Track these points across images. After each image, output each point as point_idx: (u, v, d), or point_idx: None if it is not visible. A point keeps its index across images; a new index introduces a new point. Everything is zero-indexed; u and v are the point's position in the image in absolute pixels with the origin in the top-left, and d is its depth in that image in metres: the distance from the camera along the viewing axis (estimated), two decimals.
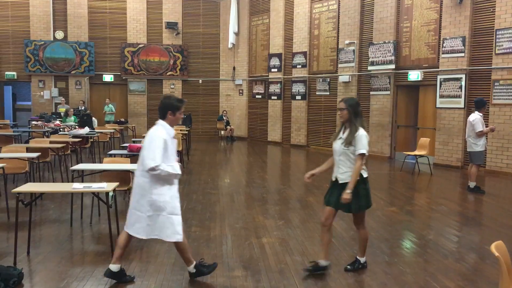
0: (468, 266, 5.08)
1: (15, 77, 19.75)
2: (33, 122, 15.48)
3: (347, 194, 4.50)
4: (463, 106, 11.91)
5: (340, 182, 4.68)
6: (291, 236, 6.06)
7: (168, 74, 20.33)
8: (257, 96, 19.42)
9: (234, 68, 20.33)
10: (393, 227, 6.72)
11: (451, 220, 7.14)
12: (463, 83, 11.89)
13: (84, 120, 13.75)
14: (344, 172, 4.68)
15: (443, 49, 12.27)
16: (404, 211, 7.66)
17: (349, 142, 4.59)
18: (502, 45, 11.07)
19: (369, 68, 14.32)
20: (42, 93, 19.84)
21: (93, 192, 5.20)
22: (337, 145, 4.71)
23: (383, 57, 13.88)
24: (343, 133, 4.70)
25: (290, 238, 5.95)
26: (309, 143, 16.94)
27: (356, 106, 4.69)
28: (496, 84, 11.22)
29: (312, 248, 5.56)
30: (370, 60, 14.27)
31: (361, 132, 4.59)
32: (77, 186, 4.97)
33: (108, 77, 20.14)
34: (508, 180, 10.69)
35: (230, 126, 19.92)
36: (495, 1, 11.26)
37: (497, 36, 11.16)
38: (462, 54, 11.87)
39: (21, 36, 19.50)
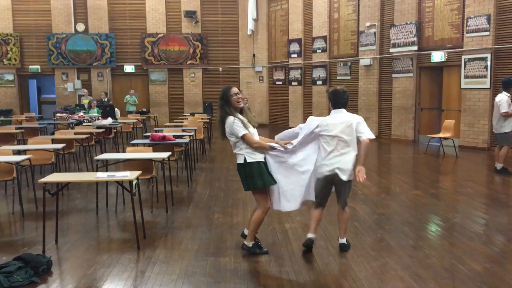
0: (495, 249, 4.99)
1: (39, 71, 20.12)
2: (58, 114, 15.73)
3: None
4: (488, 86, 11.62)
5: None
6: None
7: (188, 63, 20.39)
8: (277, 83, 19.34)
9: (253, 55, 20.25)
10: (417, 210, 6.64)
11: (477, 203, 7.01)
12: (488, 62, 11.59)
13: (107, 111, 13.93)
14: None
15: (467, 28, 11.96)
16: (428, 194, 7.55)
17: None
18: None
19: (391, 50, 14.08)
20: (65, 85, 20.16)
21: (117, 181, 5.27)
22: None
23: (405, 38, 13.62)
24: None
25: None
26: None
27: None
28: None
29: (335, 232, 5.52)
30: (391, 42, 14.02)
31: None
32: (101, 175, 5.05)
33: (129, 68, 20.33)
34: None
35: (252, 113, 19.89)
36: None
37: None
38: (487, 33, 11.55)
39: (43, 29, 19.82)
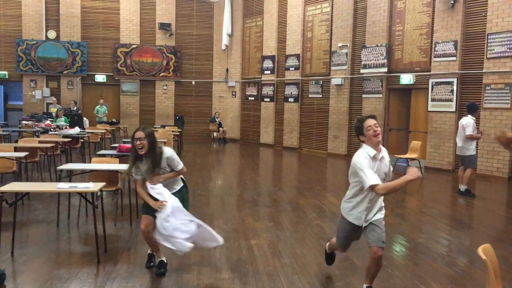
0: (457, 270, 5.05)
1: (6, 77, 19.60)
2: (24, 122, 15.34)
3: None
4: (454, 110, 11.93)
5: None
6: (281, 238, 6.01)
7: (161, 75, 20.25)
8: (250, 98, 19.38)
9: (227, 70, 20.28)
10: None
11: (441, 224, 7.12)
12: (454, 87, 11.91)
13: (75, 120, 13.64)
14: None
15: (435, 52, 12.29)
16: (394, 214, 7.63)
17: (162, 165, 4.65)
18: (494, 50, 11.10)
19: (362, 71, 14.32)
20: (33, 92, 19.69)
21: (80, 192, 5.12)
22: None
23: (375, 60, 13.89)
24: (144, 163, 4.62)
25: (279, 241, 5.90)
26: (301, 146, 16.91)
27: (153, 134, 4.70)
28: (487, 88, 11.25)
29: (301, 251, 5.52)
30: (362, 63, 14.27)
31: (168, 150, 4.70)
32: (62, 186, 4.90)
33: (100, 78, 20.03)
34: (498, 183, 10.71)
35: (222, 128, 19.87)
36: (487, 6, 11.30)
37: (489, 41, 11.19)
38: (454, 58, 11.89)
39: (13, 35, 19.36)
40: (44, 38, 19.50)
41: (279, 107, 17.85)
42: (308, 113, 16.61)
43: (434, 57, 12.33)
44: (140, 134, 4.51)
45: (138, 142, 4.50)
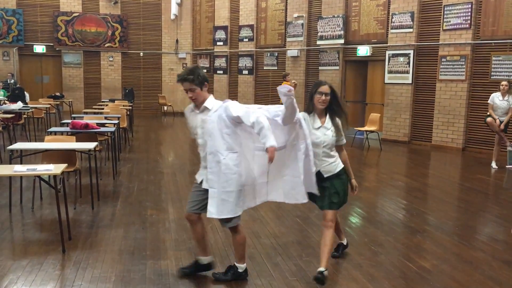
0: (438, 244, 5.02)
1: None
2: None
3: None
4: (410, 82, 12.04)
5: (325, 176, 3.97)
6: (255, 218, 5.76)
7: (106, 46, 19.18)
8: None
9: (177, 41, 19.52)
10: (354, 204, 6.60)
11: (411, 196, 7.13)
12: (411, 58, 11.99)
13: (16, 94, 12.62)
14: (329, 164, 3.98)
15: (392, 24, 12.29)
16: (363, 188, 7.57)
17: (340, 131, 4.00)
18: (450, 21, 11.21)
19: (318, 42, 14.15)
20: None
21: (38, 175, 4.60)
22: (321, 137, 3.90)
23: (332, 31, 13.73)
24: (324, 121, 3.93)
25: (254, 220, 5.65)
26: None
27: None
28: (443, 60, 11.40)
29: (279, 230, 5.31)
30: (319, 34, 14.08)
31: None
32: (20, 169, 4.36)
33: (39, 48, 18.68)
34: (453, 154, 10.98)
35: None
36: None
37: (445, 12, 11.28)
38: (411, 30, 11.93)
39: None
40: None
41: (232, 80, 17.44)
42: (263, 85, 16.33)
43: (391, 28, 12.33)
44: (325, 89, 3.85)
45: (323, 97, 3.84)
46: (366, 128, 11.57)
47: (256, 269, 4.19)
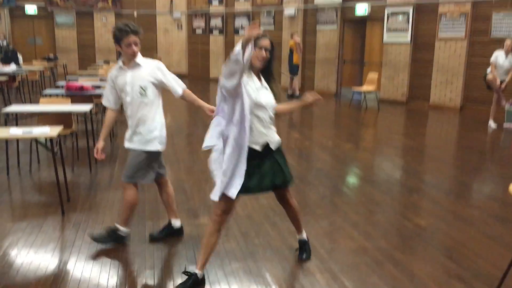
0: (434, 202, 5.06)
1: None
2: None
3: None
4: (409, 41, 11.87)
5: (274, 148, 3.31)
6: None
7: (99, 6, 18.73)
8: (197, 31, 18.47)
9: (171, 1, 19.06)
10: (352, 164, 6.63)
11: (408, 156, 7.15)
12: (410, 16, 11.77)
13: (8, 56, 12.40)
14: (275, 132, 3.34)
15: None
16: (361, 148, 7.60)
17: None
18: None
19: (316, 1, 13.84)
20: None
21: (34, 138, 4.57)
22: (267, 98, 3.19)
23: None
24: (260, 81, 3.20)
25: None
26: None
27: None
28: (443, 17, 11.19)
29: None
30: None
31: None
32: (15, 132, 4.32)
33: (31, 9, 18.26)
34: (451, 114, 10.94)
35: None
36: None
37: None
38: None
39: None
40: None
41: (229, 40, 17.15)
42: None
43: None
44: (266, 43, 3.09)
45: (264, 54, 3.09)
46: (364, 88, 11.48)
47: (254, 229, 4.23)
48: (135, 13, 19.06)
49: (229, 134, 3.07)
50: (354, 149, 7.48)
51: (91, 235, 3.88)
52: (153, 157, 3.77)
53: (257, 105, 3.10)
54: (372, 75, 11.46)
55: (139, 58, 3.67)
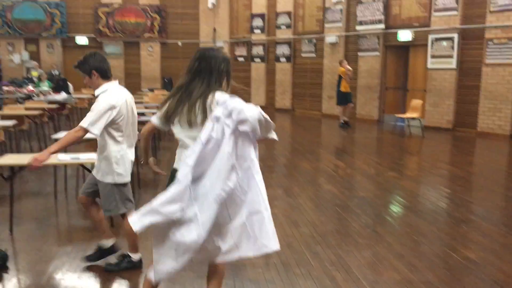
0: (485, 235, 4.84)
1: None
2: (5, 88, 14.58)
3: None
4: (455, 67, 11.61)
5: None
6: (293, 206, 5.72)
7: (145, 36, 19.43)
8: (239, 59, 18.78)
9: (214, 30, 19.54)
10: (397, 193, 6.46)
11: (456, 186, 6.90)
12: (455, 42, 11.54)
13: (60, 85, 12.97)
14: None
15: (435, 7, 11.85)
16: (405, 176, 7.41)
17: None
18: (497, 2, 10.69)
19: (357, 28, 13.84)
20: (11, 57, 18.76)
21: (81, 164, 4.71)
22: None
23: (372, 16, 13.39)
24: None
25: (293, 209, 5.61)
26: (294, 107, 16.53)
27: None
28: (489, 43, 10.91)
29: (318, 219, 5.24)
30: (358, 19, 13.77)
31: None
32: (64, 158, 4.48)
33: (82, 40, 19.14)
34: (500, 141, 10.55)
35: None
36: None
37: None
38: (455, 12, 11.47)
39: None
40: None
41: (270, 68, 17.33)
42: (301, 73, 16.15)
43: (434, 11, 11.89)
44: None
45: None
46: (407, 115, 11.27)
47: (295, 258, 4.16)
48: (180, 43, 19.63)
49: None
50: (398, 177, 7.30)
51: (107, 268, 3.88)
52: (119, 188, 3.77)
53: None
54: (416, 102, 11.24)
55: (98, 89, 3.75)
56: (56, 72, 17.19)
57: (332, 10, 14.60)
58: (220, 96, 2.79)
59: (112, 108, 3.61)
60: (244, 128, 2.59)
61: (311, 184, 6.82)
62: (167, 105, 2.91)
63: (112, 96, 3.66)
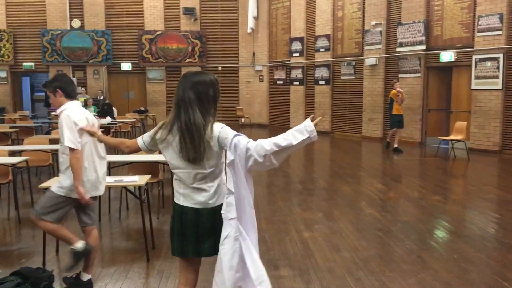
0: None
1: (33, 68, 19.53)
2: (53, 113, 15.20)
3: None
4: (501, 87, 11.27)
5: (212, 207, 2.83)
6: (334, 230, 5.63)
7: (186, 61, 19.91)
8: (278, 82, 18.91)
9: (253, 54, 19.82)
10: (442, 218, 6.24)
11: (504, 210, 6.62)
12: (500, 62, 11.23)
13: (105, 109, 13.43)
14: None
15: (479, 27, 11.60)
16: (450, 200, 7.17)
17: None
18: None
19: (398, 49, 13.70)
20: None
21: (124, 186, 4.82)
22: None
23: (412, 37, 13.25)
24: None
25: (333, 233, 5.52)
26: (333, 130, 16.42)
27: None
28: None
29: (360, 243, 5.13)
30: (398, 41, 13.64)
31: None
32: (108, 180, 4.59)
33: (126, 66, 19.80)
34: None
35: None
36: None
37: None
38: (500, 32, 11.19)
39: (37, 25, 19.23)
40: (68, 28, 19.32)
41: (309, 90, 17.34)
42: (340, 95, 16.08)
43: (478, 32, 11.64)
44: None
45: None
46: (451, 137, 10.97)
47: (336, 284, 4.07)
48: (219, 67, 19.98)
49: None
50: (443, 201, 7.07)
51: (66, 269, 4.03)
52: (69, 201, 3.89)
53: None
54: (461, 124, 10.94)
55: (61, 108, 3.90)
56: (101, 98, 17.81)
57: (371, 32, 14.55)
58: (219, 129, 2.72)
59: (75, 124, 3.78)
60: (250, 163, 2.66)
61: (352, 207, 6.70)
62: (158, 133, 2.80)
63: (74, 114, 3.82)
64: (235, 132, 2.73)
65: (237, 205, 2.69)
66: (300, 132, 2.66)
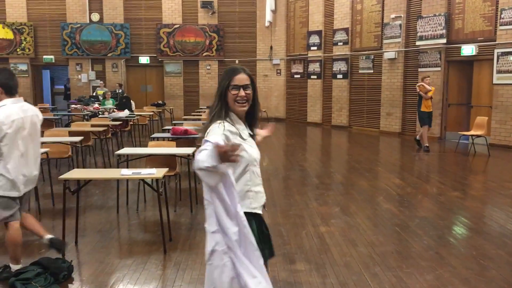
0: None
1: (53, 61, 19.77)
2: (73, 106, 15.40)
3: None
4: None
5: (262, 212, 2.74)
6: (351, 224, 5.60)
7: (204, 54, 19.92)
8: (295, 76, 18.82)
9: (271, 48, 19.74)
10: (461, 214, 6.16)
11: None
12: None
13: (123, 102, 13.54)
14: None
15: (501, 20, 11.37)
16: (469, 196, 7.07)
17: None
18: None
19: (418, 43, 13.51)
20: (79, 76, 19.81)
21: (142, 179, 4.86)
22: (255, 150, 2.63)
23: (433, 31, 13.04)
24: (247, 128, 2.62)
25: (350, 227, 5.49)
26: (351, 124, 16.30)
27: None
28: None
29: (377, 238, 5.09)
30: (418, 34, 13.45)
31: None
32: (126, 173, 4.64)
33: (144, 59, 19.91)
34: None
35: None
36: None
37: None
38: None
39: (57, 19, 19.44)
40: (88, 21, 19.49)
41: (326, 84, 17.23)
42: (358, 89, 15.94)
43: (500, 25, 11.41)
44: (244, 79, 2.50)
45: (244, 93, 2.49)
46: (472, 132, 10.80)
47: (353, 279, 4.05)
48: (237, 61, 19.96)
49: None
50: (462, 197, 6.98)
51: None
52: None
53: (251, 161, 2.58)
54: (481, 119, 10.75)
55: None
56: (119, 91, 17.96)
57: (390, 26, 14.37)
58: (210, 132, 2.41)
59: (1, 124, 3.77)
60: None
61: (369, 202, 6.65)
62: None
63: (2, 113, 3.80)
64: (211, 137, 2.29)
65: (220, 216, 2.33)
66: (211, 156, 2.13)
